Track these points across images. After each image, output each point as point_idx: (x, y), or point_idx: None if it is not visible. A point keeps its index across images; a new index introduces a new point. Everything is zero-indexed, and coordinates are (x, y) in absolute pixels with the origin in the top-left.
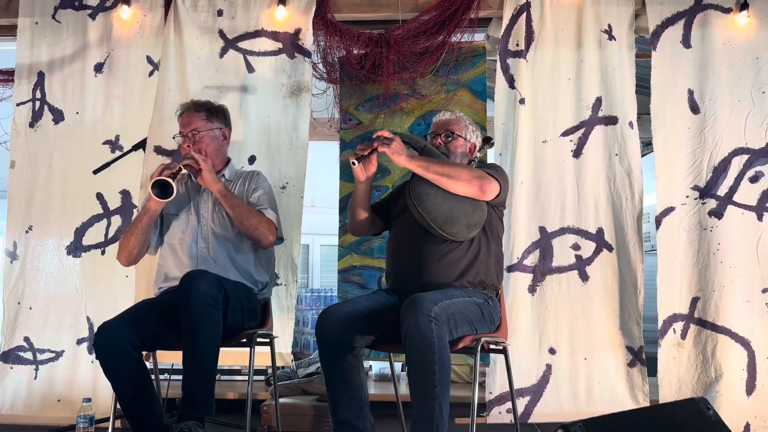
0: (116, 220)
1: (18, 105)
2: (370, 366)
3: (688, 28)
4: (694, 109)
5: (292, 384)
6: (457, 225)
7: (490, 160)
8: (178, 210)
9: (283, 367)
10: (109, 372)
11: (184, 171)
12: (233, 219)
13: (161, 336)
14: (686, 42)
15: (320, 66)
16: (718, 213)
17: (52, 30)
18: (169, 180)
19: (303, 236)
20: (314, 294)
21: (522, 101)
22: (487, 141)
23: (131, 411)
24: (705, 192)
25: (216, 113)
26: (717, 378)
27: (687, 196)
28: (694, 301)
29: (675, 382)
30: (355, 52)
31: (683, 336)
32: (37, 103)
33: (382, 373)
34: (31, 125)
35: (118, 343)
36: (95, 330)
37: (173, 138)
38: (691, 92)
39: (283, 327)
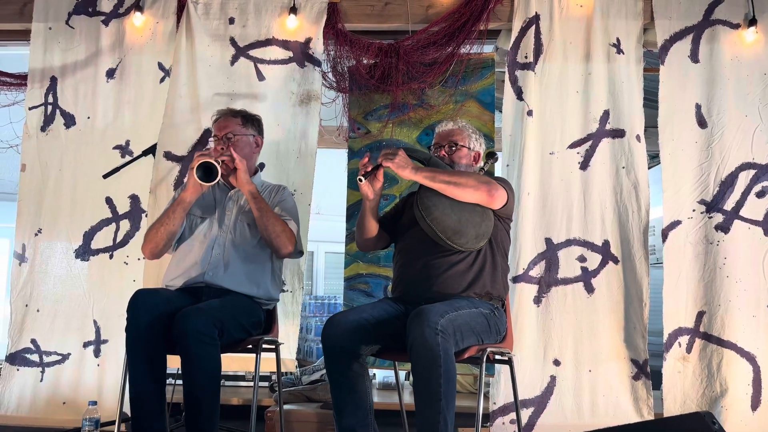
0: (125, 225)
1: (30, 109)
2: (374, 374)
3: (696, 43)
4: (702, 123)
5: (296, 391)
6: (465, 235)
7: (497, 170)
8: (203, 213)
9: (287, 374)
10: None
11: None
12: (258, 222)
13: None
14: (694, 57)
15: (330, 75)
16: (724, 227)
17: (65, 35)
18: (214, 162)
19: (308, 243)
20: (318, 301)
21: (530, 113)
22: (491, 156)
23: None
24: (712, 206)
25: (251, 121)
26: (722, 393)
27: (693, 210)
28: (700, 315)
29: (680, 396)
30: (365, 61)
31: (688, 350)
32: (49, 108)
33: (386, 381)
34: (43, 129)
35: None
36: (102, 333)
37: (210, 139)
38: (698, 107)
39: (288, 333)
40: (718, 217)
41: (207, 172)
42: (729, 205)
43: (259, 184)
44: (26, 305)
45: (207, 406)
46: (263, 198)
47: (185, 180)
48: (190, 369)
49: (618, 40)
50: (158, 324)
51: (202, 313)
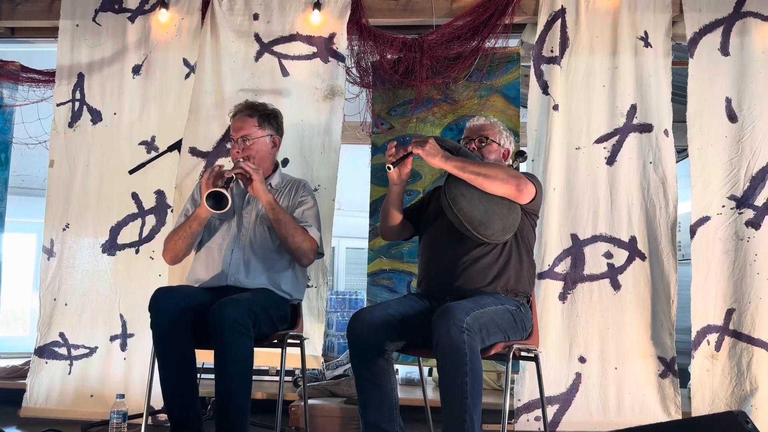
0: (150, 220)
1: (58, 105)
2: (397, 370)
3: (726, 36)
4: (732, 117)
5: (319, 386)
6: (491, 227)
7: (522, 166)
8: (222, 216)
9: (310, 369)
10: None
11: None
12: (277, 232)
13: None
14: (724, 50)
15: (354, 70)
16: (755, 223)
17: (92, 32)
18: (224, 192)
19: (332, 239)
20: (339, 297)
21: (556, 107)
22: (521, 155)
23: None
24: (742, 202)
25: (269, 119)
26: (752, 391)
27: (723, 206)
28: (729, 312)
29: (708, 394)
30: (389, 56)
31: (717, 348)
32: (77, 104)
33: (409, 377)
34: (70, 125)
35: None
36: (128, 327)
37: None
38: (728, 100)
39: (313, 329)
40: (749, 213)
41: (218, 199)
42: (760, 200)
43: (280, 182)
44: (54, 299)
45: (239, 397)
46: (281, 207)
47: (200, 192)
48: (224, 359)
49: (646, 33)
50: (182, 320)
51: (238, 304)
